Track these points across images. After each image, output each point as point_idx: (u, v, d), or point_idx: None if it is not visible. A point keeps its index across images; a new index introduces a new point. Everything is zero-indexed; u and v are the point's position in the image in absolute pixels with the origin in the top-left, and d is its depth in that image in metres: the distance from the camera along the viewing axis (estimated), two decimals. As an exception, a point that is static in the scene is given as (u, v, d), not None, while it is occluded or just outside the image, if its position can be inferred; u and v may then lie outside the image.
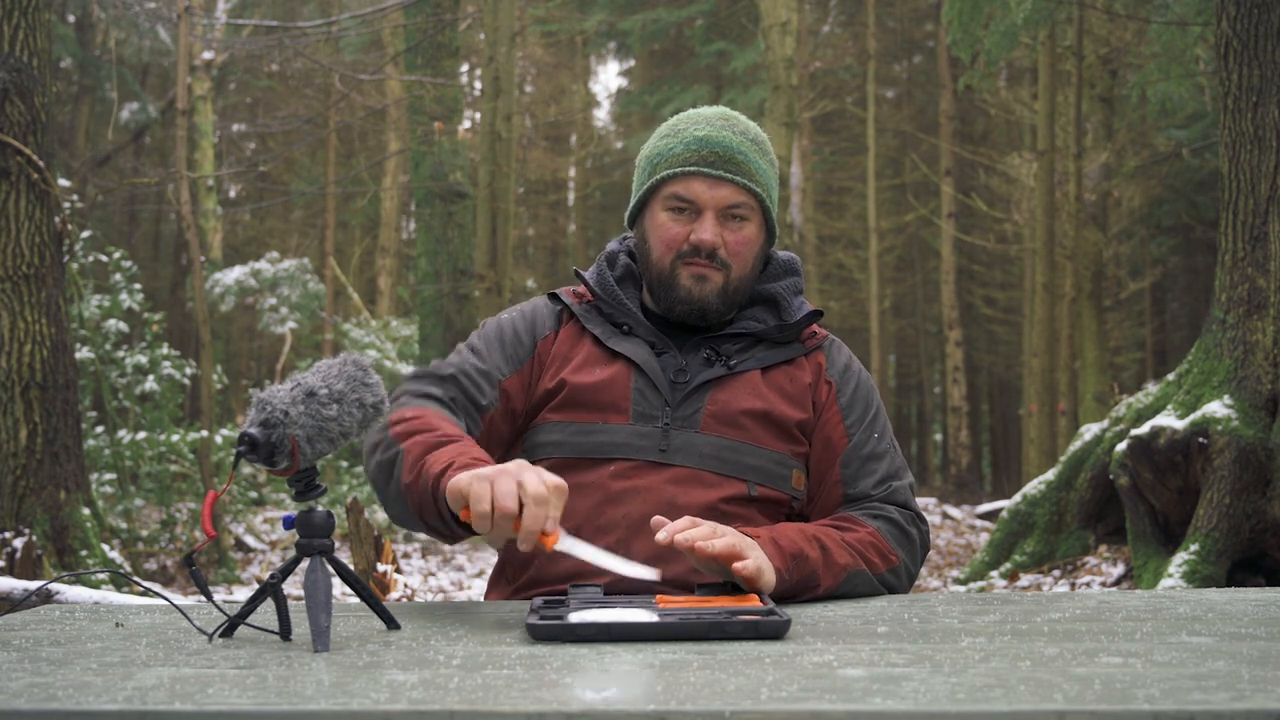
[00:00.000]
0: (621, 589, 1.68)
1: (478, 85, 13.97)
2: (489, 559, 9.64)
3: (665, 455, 1.74)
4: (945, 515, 14.13)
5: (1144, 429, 5.84)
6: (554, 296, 1.93)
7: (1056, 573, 6.75)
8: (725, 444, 1.76)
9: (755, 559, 1.52)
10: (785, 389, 1.82)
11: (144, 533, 8.68)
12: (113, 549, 6.59)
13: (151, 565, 8.21)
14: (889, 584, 1.74)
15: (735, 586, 1.68)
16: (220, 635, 1.34)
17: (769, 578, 1.54)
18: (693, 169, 1.79)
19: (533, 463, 1.79)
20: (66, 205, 6.44)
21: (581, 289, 1.93)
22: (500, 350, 1.86)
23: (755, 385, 1.81)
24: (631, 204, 1.89)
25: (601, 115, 25.68)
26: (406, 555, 9.75)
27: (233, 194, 23.91)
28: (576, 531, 1.72)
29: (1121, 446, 5.96)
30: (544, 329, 1.88)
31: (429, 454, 1.61)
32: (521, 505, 1.39)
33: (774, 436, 1.79)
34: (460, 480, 1.46)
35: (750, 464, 1.75)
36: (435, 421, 1.70)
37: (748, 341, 1.85)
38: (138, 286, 9.42)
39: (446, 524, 1.59)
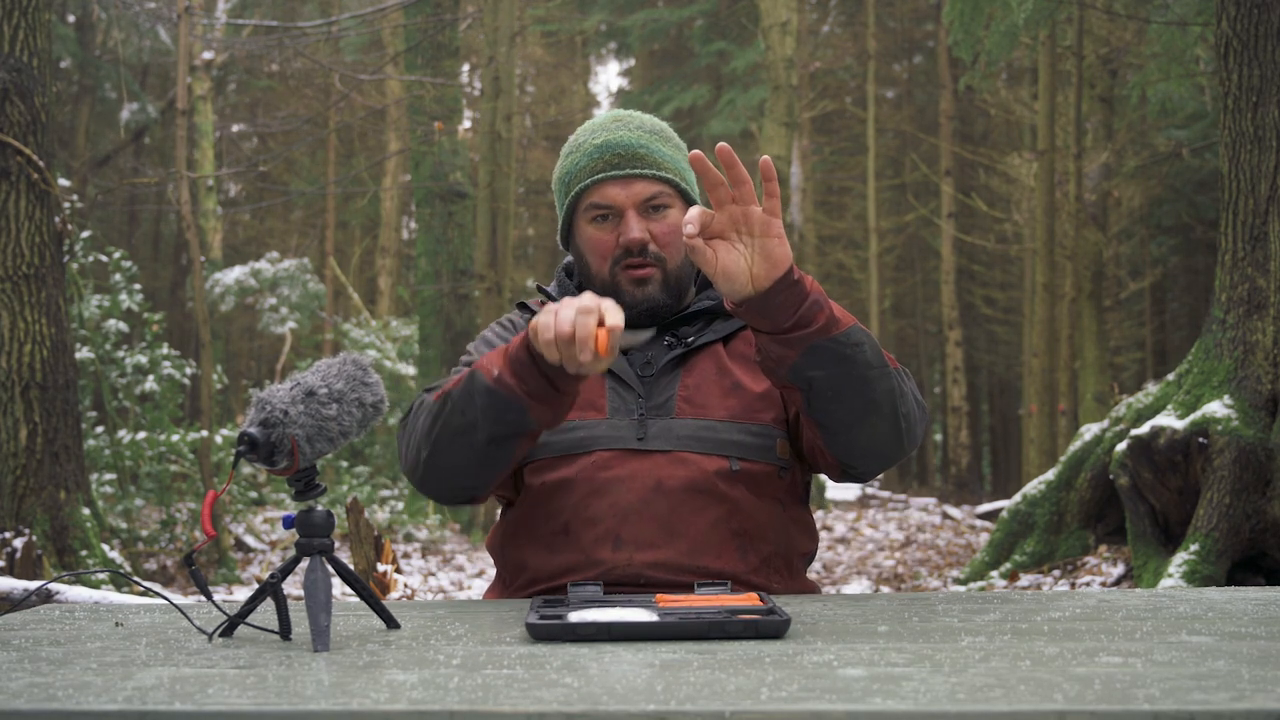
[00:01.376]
0: (621, 586, 1.69)
1: (478, 85, 13.98)
2: (489, 560, 9.64)
3: (643, 443, 1.75)
4: (945, 515, 14.13)
5: (1144, 429, 5.84)
6: (523, 306, 1.97)
7: (1056, 573, 6.76)
8: (702, 424, 1.77)
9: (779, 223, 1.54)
10: (747, 355, 1.84)
11: (144, 533, 8.68)
12: (113, 549, 6.59)
13: (151, 565, 8.21)
14: (894, 383, 1.64)
15: (735, 587, 1.68)
16: (220, 635, 1.34)
17: (785, 248, 1.54)
18: (601, 175, 1.82)
19: (519, 467, 1.80)
20: (66, 205, 6.44)
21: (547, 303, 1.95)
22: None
23: (719, 360, 1.83)
24: (559, 229, 1.93)
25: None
26: (406, 555, 9.76)
27: (233, 194, 23.91)
28: (565, 526, 1.73)
29: (1121, 446, 5.96)
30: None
31: (506, 348, 1.64)
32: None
33: (749, 409, 1.79)
34: (533, 324, 1.55)
35: (729, 439, 1.76)
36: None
37: (704, 319, 1.88)
38: (138, 286, 9.43)
39: (550, 379, 1.59)
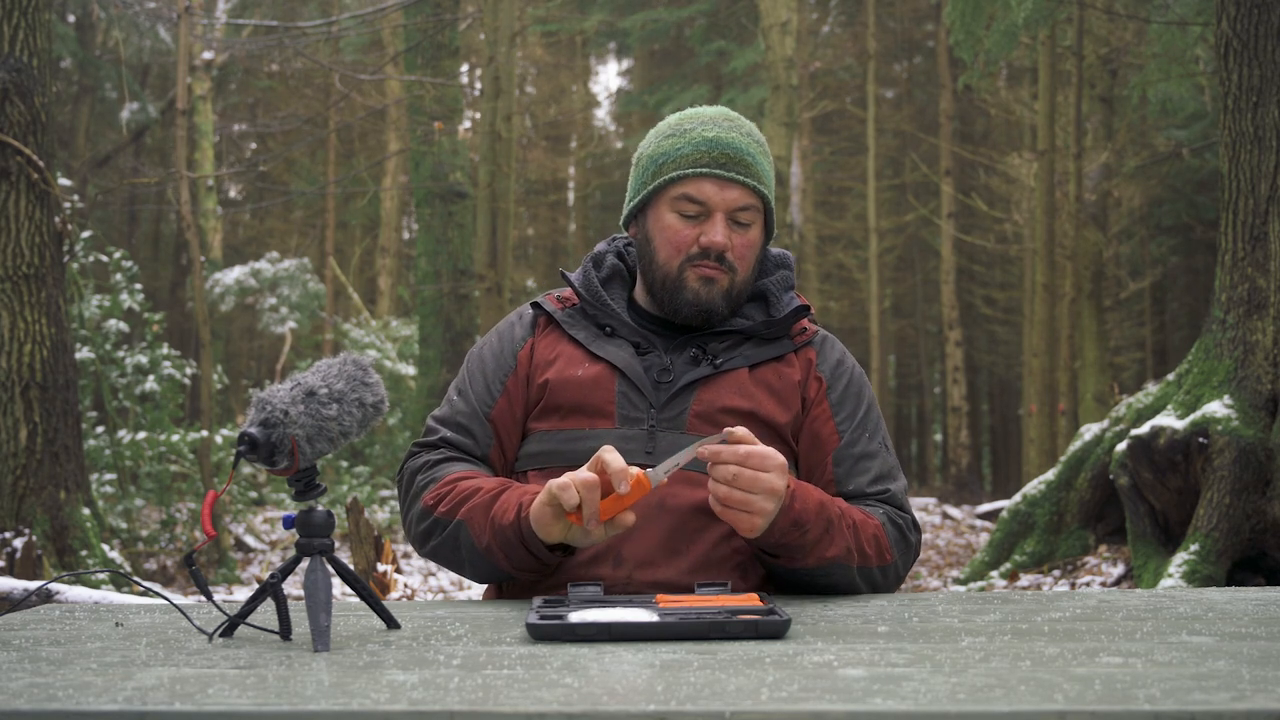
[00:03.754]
0: (621, 589, 1.69)
1: (478, 85, 13.98)
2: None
3: (652, 458, 1.73)
4: (945, 515, 14.13)
5: (1144, 429, 5.84)
6: (535, 305, 1.93)
7: (1056, 573, 6.75)
8: None
9: (759, 523, 1.56)
10: (773, 386, 1.81)
11: (144, 533, 8.68)
12: (113, 549, 6.59)
13: (151, 565, 8.21)
14: (874, 582, 1.71)
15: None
16: (220, 635, 1.34)
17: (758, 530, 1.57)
18: (704, 170, 1.77)
19: (523, 473, 1.80)
20: (66, 205, 6.44)
21: (567, 292, 1.92)
22: (483, 380, 1.87)
23: (742, 384, 1.79)
24: (631, 204, 1.87)
25: (601, 115, 25.67)
26: (406, 555, 9.75)
27: (233, 194, 23.91)
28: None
29: (1121, 446, 5.96)
30: (520, 341, 1.89)
31: (491, 511, 1.67)
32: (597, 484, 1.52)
33: (760, 436, 1.76)
34: (540, 498, 1.57)
35: None
36: (470, 483, 1.74)
37: (736, 339, 1.83)
38: (138, 286, 9.42)
39: (539, 558, 1.65)
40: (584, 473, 1.51)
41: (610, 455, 1.50)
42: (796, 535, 1.60)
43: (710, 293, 1.79)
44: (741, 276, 1.81)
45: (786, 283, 1.89)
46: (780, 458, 1.54)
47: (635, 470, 1.50)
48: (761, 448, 1.53)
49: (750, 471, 1.51)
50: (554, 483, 1.53)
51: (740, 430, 1.53)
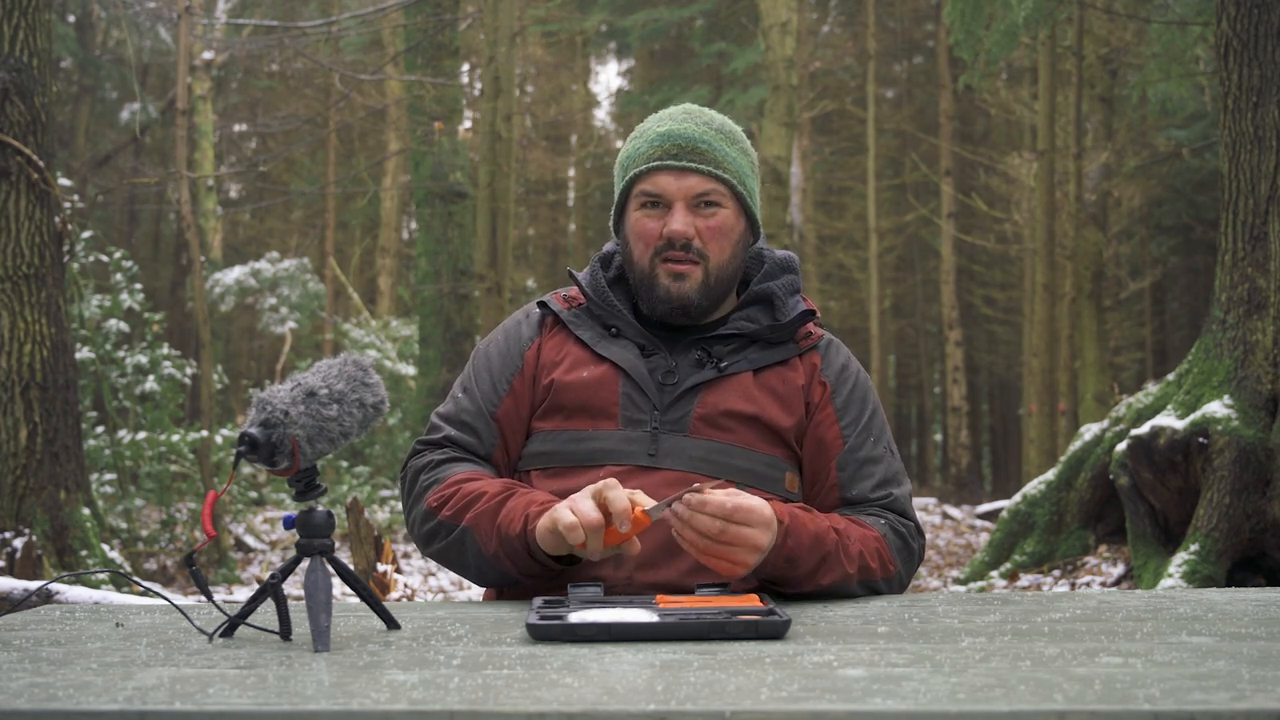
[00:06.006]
0: (621, 590, 1.69)
1: (478, 85, 13.98)
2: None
3: (654, 459, 1.74)
4: (945, 515, 14.13)
5: (1144, 429, 5.84)
6: (542, 304, 1.93)
7: (1056, 573, 6.75)
8: (714, 446, 1.75)
9: (740, 572, 1.57)
10: (777, 390, 1.81)
11: (144, 533, 8.68)
12: (113, 549, 6.59)
13: (151, 565, 8.21)
14: (878, 591, 1.73)
15: (734, 588, 1.69)
16: (220, 635, 1.34)
17: (752, 556, 1.57)
18: (657, 163, 1.80)
19: (525, 473, 1.81)
20: (66, 205, 6.44)
21: (574, 291, 1.93)
22: (489, 379, 1.87)
23: (746, 387, 1.79)
24: (613, 211, 1.91)
25: (601, 115, 25.65)
26: (406, 555, 9.75)
27: (233, 194, 23.91)
28: None
29: (1121, 446, 5.96)
30: (527, 341, 1.89)
31: (497, 518, 1.68)
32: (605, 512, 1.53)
33: (764, 440, 1.78)
34: (544, 523, 1.59)
35: (740, 466, 1.75)
36: (475, 487, 1.74)
37: (740, 342, 1.83)
38: (138, 286, 9.42)
39: (546, 567, 1.67)
40: (590, 513, 1.52)
41: (613, 494, 1.52)
42: (788, 569, 1.61)
43: (682, 288, 1.80)
44: (716, 262, 1.81)
45: (792, 286, 1.89)
46: (767, 512, 1.54)
47: (638, 495, 1.53)
48: (747, 501, 1.53)
49: (735, 527, 1.52)
50: (560, 520, 1.53)
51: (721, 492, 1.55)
